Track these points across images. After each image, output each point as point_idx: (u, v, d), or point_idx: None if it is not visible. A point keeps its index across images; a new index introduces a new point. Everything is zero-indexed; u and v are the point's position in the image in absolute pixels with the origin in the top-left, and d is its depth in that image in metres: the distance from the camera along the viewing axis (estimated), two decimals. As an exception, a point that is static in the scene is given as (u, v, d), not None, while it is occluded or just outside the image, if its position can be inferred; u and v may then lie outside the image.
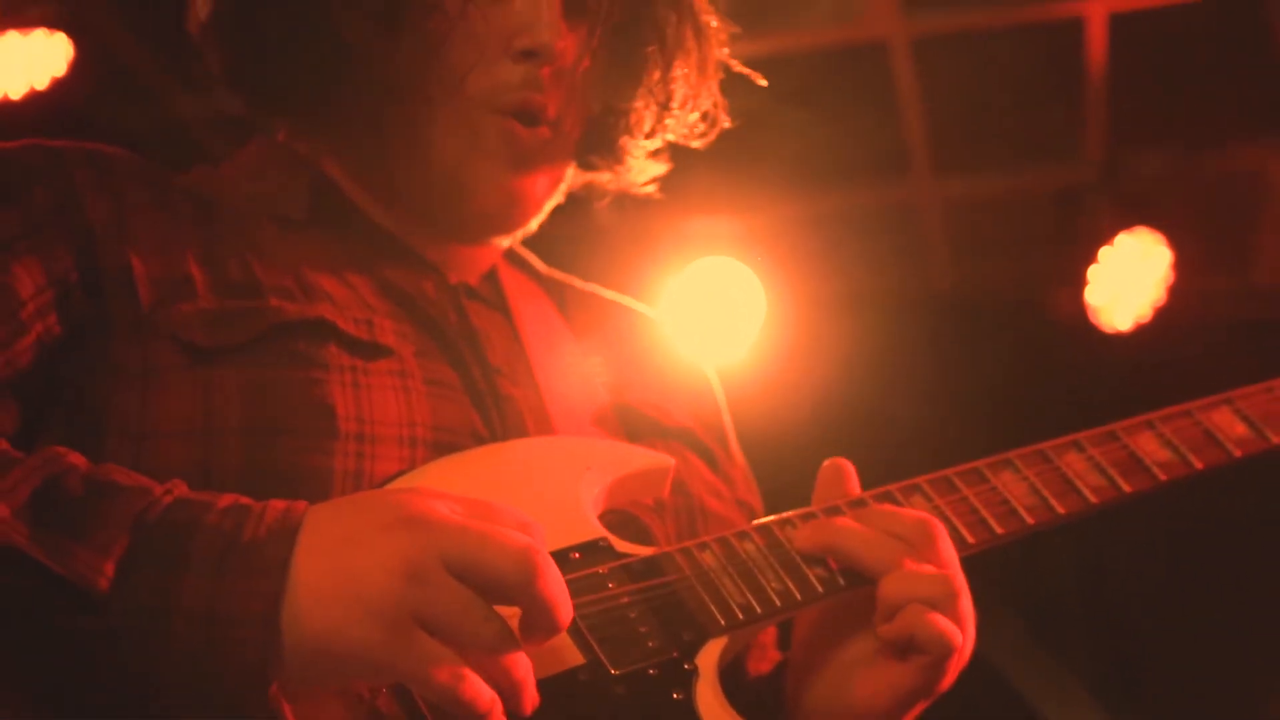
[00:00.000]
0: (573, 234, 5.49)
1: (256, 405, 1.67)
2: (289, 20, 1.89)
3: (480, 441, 1.81)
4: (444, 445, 1.76)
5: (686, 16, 2.02)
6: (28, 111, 5.13)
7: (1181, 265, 6.08)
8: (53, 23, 5.19)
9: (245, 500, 1.48)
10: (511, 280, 2.13)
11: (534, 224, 2.06)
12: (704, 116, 2.07)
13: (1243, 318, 6.33)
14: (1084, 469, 1.93)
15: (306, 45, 1.89)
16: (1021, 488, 1.88)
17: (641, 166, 2.14)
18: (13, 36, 5.17)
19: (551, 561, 1.45)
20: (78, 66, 5.19)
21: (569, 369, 2.04)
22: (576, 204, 2.17)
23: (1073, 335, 6.22)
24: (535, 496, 1.70)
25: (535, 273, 2.22)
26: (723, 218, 6.88)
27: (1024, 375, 6.45)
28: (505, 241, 2.08)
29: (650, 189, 2.19)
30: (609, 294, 2.30)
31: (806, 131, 6.37)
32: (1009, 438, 2.01)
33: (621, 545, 1.71)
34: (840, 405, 6.30)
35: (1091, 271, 6.14)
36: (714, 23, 2.06)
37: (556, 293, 2.21)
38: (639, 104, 2.01)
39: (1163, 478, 1.97)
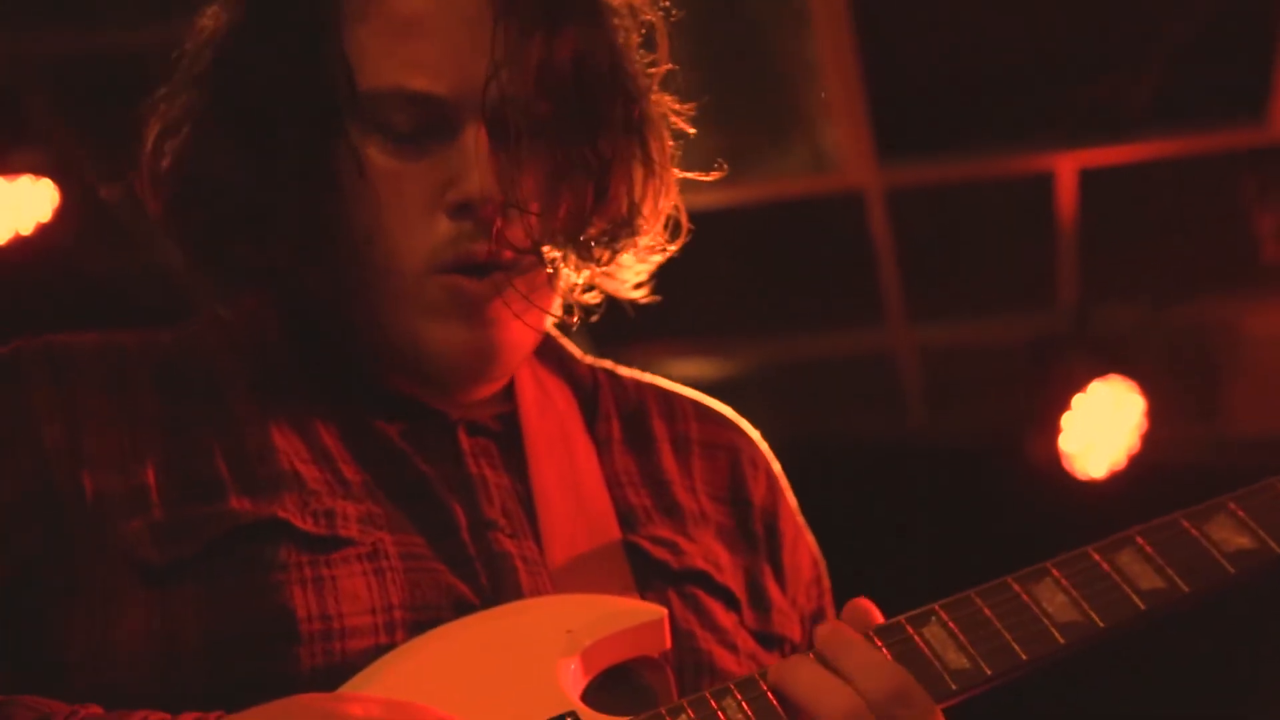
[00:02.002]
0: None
1: (213, 620, 1.63)
2: (227, 210, 1.83)
3: (467, 610, 1.73)
4: (425, 624, 1.69)
5: (639, 127, 1.90)
6: (13, 258, 5.14)
7: (1155, 413, 6.12)
8: (38, 169, 5.21)
9: (157, 715, 1.47)
10: (531, 389, 2.02)
11: (517, 365, 1.96)
12: (669, 220, 1.96)
13: (1217, 466, 6.35)
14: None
15: (249, 233, 1.84)
16: (1061, 600, 1.70)
17: (627, 273, 2.02)
18: (-2, 182, 5.22)
19: None
20: (63, 212, 5.20)
21: (579, 504, 1.93)
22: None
23: (1047, 482, 6.24)
24: (501, 671, 1.65)
25: (568, 367, 2.10)
26: (698, 361, 6.92)
27: (998, 522, 6.44)
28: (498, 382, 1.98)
29: (641, 293, 2.07)
30: (657, 381, 2.18)
31: (782, 277, 6.44)
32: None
33: (588, 715, 1.63)
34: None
35: (1065, 419, 6.18)
36: (665, 112, 1.95)
37: (587, 393, 2.08)
38: (604, 222, 1.87)
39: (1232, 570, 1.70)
